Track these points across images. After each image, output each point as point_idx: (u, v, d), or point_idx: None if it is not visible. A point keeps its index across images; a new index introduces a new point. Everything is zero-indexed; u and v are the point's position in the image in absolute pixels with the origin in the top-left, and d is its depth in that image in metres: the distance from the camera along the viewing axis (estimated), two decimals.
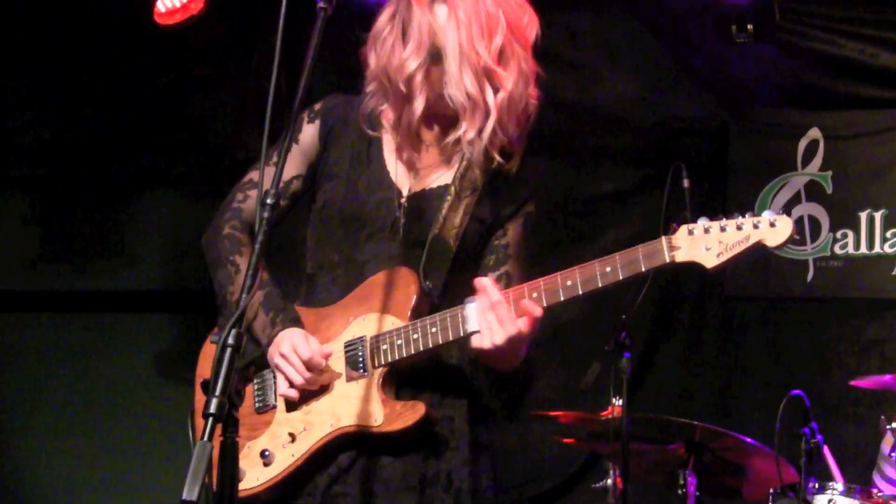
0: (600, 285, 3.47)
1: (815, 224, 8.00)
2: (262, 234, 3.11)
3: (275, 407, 3.71)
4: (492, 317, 3.46)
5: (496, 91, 3.75)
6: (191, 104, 8.49)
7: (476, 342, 3.50)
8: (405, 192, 3.80)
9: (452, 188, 3.77)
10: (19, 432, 8.58)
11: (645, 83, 8.30)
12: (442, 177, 3.84)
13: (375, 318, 3.64)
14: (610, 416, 5.98)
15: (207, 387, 2.94)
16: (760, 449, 5.96)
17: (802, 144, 8.08)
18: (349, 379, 3.63)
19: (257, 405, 3.75)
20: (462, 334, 3.53)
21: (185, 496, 2.72)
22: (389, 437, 3.58)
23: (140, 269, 8.66)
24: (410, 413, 3.55)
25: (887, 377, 6.13)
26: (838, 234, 7.96)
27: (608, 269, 3.45)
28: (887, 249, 7.88)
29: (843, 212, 7.97)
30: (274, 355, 3.66)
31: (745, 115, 8.21)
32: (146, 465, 8.21)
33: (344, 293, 3.77)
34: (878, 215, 7.92)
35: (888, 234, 7.89)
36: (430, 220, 3.74)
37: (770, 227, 3.29)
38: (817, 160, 8.06)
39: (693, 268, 3.38)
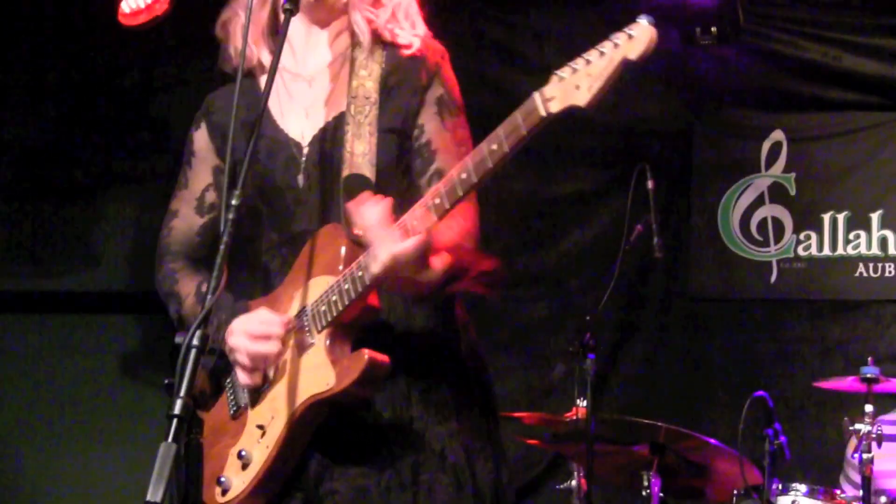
0: (491, 165, 3.09)
1: (778, 225, 8.04)
2: (226, 234, 3.06)
3: (246, 406, 3.63)
4: (377, 237, 3.19)
5: None
6: (155, 104, 8.47)
7: (372, 269, 3.22)
8: (304, 143, 3.59)
9: (347, 115, 3.53)
10: None
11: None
12: (331, 106, 3.60)
13: (313, 283, 3.45)
14: (574, 418, 6.01)
15: (172, 388, 2.92)
16: (724, 450, 5.98)
17: (766, 146, 8.12)
18: (301, 353, 3.46)
19: (231, 410, 3.65)
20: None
21: (149, 497, 2.70)
22: (349, 398, 3.37)
23: (104, 269, 8.63)
24: (356, 363, 3.32)
25: (851, 379, 6.16)
26: (801, 236, 8.00)
27: (494, 146, 3.10)
28: (850, 251, 7.93)
29: (806, 214, 8.02)
30: (229, 351, 3.58)
31: (709, 116, 8.25)
32: (112, 465, 8.18)
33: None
34: (840, 217, 7.97)
35: (851, 236, 7.93)
36: (340, 158, 3.51)
37: (629, 40, 3.04)
38: (781, 162, 8.10)
39: (571, 113, 3.11)
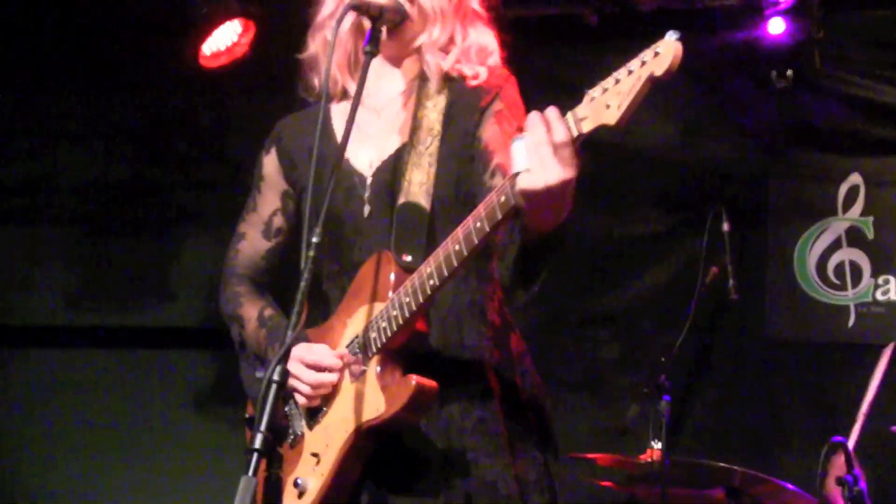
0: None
1: (856, 269, 7.99)
2: (307, 271, 3.13)
3: (303, 434, 3.65)
4: (546, 152, 3.05)
5: (461, 13, 3.74)
6: (231, 144, 8.55)
7: (523, 183, 3.04)
8: (368, 173, 3.66)
9: (409, 145, 3.60)
10: (61, 468, 8.62)
11: (684, 126, 8.31)
12: (395, 137, 3.69)
13: (365, 310, 3.50)
14: (648, 460, 5.97)
15: (252, 422, 2.96)
16: (801, 495, 5.92)
17: (843, 189, 8.07)
18: (353, 380, 3.50)
19: (290, 439, 3.69)
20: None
21: None
22: (399, 424, 3.41)
23: (180, 305, 8.71)
24: (404, 389, 3.36)
25: None
26: (880, 280, 7.94)
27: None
28: None
29: (884, 257, 7.96)
30: (292, 381, 3.58)
31: (785, 159, 8.21)
32: (187, 499, 8.22)
33: None
34: None
35: None
36: (398, 188, 3.56)
37: (655, 57, 3.05)
38: (858, 205, 8.04)
39: (602, 131, 3.13)
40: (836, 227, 8.08)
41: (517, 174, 3.07)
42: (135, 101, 8.52)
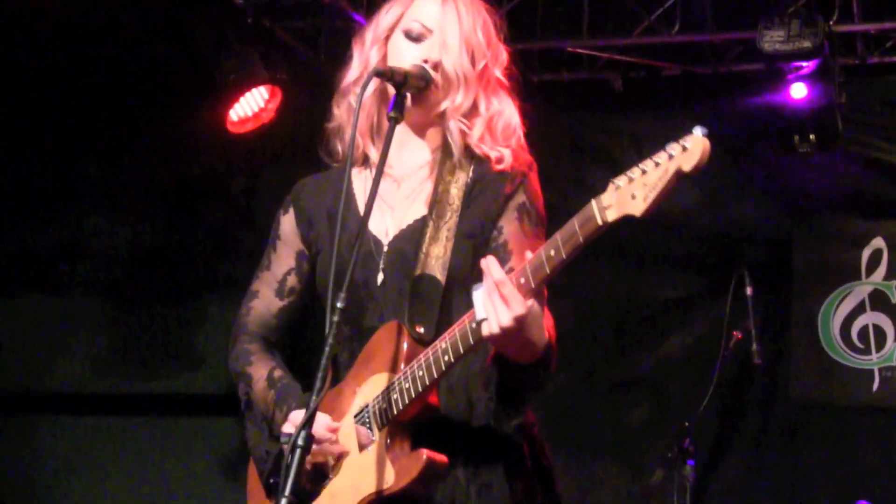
0: (548, 271, 3.14)
1: (880, 333, 7.98)
2: (331, 336, 3.14)
3: (306, 499, 3.62)
4: (496, 297, 3.16)
5: (484, 80, 3.72)
6: (260, 209, 8.59)
7: (485, 330, 3.19)
8: (385, 240, 3.66)
9: (429, 218, 3.60)
10: None
11: (708, 191, 8.33)
12: (415, 208, 3.68)
13: (374, 380, 3.49)
14: None
15: (272, 489, 2.96)
16: None
17: (866, 253, 8.07)
18: (361, 449, 3.49)
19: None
20: (471, 335, 3.26)
21: None
22: (407, 496, 3.39)
23: (206, 372, 8.72)
24: (414, 463, 3.36)
25: None
26: None
27: (552, 252, 3.15)
28: None
29: None
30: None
31: (808, 223, 8.23)
32: None
33: None
34: None
35: None
36: (415, 260, 3.57)
37: (683, 152, 3.08)
38: (882, 269, 8.04)
39: (626, 222, 3.15)
40: (860, 291, 8.07)
41: (480, 322, 3.20)
42: (163, 168, 8.58)
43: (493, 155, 3.68)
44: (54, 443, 8.86)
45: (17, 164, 8.63)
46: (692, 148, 3.07)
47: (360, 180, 3.78)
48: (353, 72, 3.82)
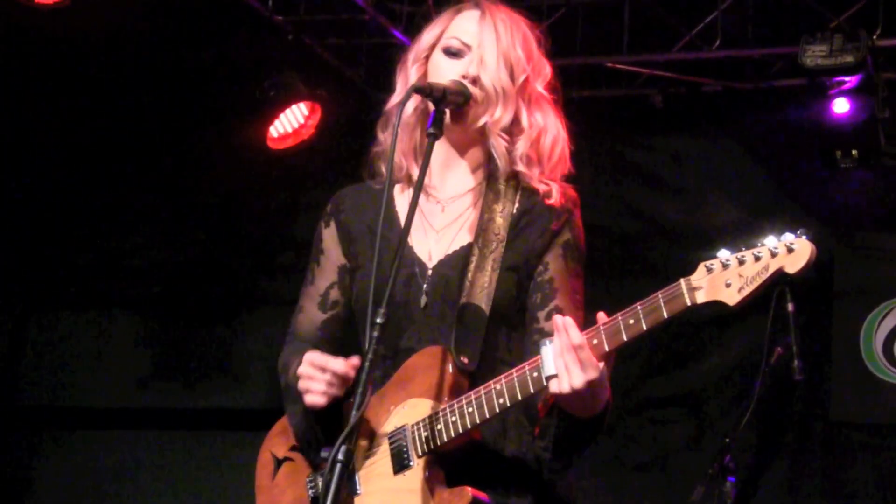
0: (625, 338, 3.24)
1: None
2: (371, 352, 3.14)
3: None
4: (570, 358, 3.21)
5: (526, 95, 3.71)
6: (300, 227, 8.61)
7: (554, 387, 3.24)
8: (430, 264, 3.65)
9: (475, 247, 3.60)
10: None
11: (749, 208, 8.30)
12: (460, 235, 3.67)
13: (414, 404, 3.49)
14: None
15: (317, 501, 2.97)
16: None
17: None
18: (396, 472, 3.47)
19: None
20: (532, 384, 3.31)
21: None
22: None
23: (247, 387, 8.75)
24: (458, 500, 3.35)
25: None
26: None
27: (631, 321, 3.24)
28: None
29: None
30: (298, 383, 3.56)
31: (849, 239, 8.17)
32: None
33: None
34: None
35: None
36: (460, 287, 3.57)
37: (788, 253, 3.15)
38: None
39: (715, 307, 3.23)
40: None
41: (549, 377, 3.25)
42: (204, 185, 8.62)
43: (541, 189, 3.68)
44: (96, 456, 8.90)
45: (60, 182, 8.69)
46: (799, 251, 3.16)
47: (403, 199, 3.76)
48: (397, 94, 3.81)
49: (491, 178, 3.71)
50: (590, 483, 7.55)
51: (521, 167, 3.68)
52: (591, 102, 8.25)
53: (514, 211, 3.65)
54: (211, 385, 8.82)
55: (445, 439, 3.39)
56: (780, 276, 3.12)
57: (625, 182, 8.45)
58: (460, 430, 3.37)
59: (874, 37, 7.37)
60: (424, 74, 3.73)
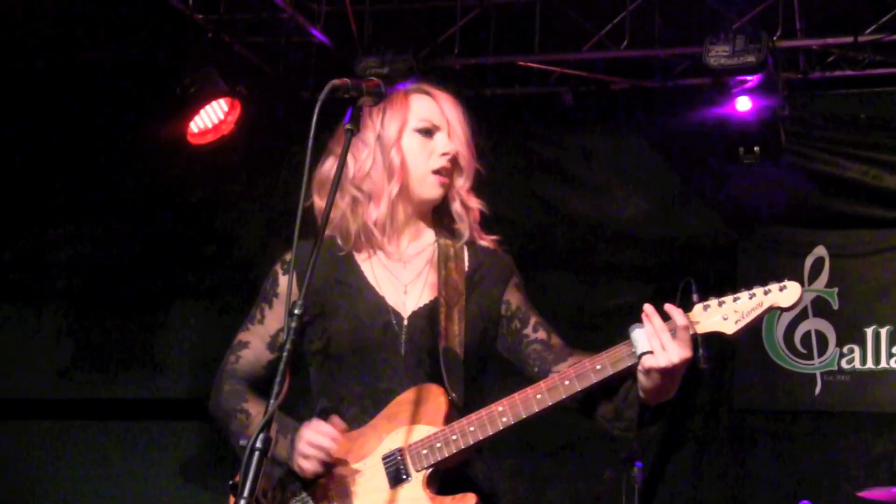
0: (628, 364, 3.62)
1: (821, 339, 8.02)
2: (289, 342, 3.16)
3: None
4: (667, 337, 3.54)
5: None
6: (220, 220, 8.58)
7: (650, 362, 3.53)
8: (404, 314, 3.81)
9: (441, 299, 3.81)
10: None
11: (656, 202, 8.37)
12: (426, 291, 3.87)
13: (409, 430, 3.66)
14: None
15: (235, 488, 2.97)
16: None
17: (808, 262, 8.12)
18: (393, 486, 3.61)
19: None
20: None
21: None
22: None
23: (169, 377, 8.71)
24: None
25: (894, 490, 6.10)
26: (845, 349, 7.97)
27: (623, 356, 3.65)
28: (893, 365, 7.89)
29: (849, 327, 7.99)
30: (298, 458, 3.64)
31: (752, 232, 8.27)
32: None
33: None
34: (883, 331, 7.94)
35: (894, 350, 7.89)
36: (434, 334, 3.77)
37: (780, 292, 3.55)
38: (823, 277, 8.09)
39: (714, 336, 3.60)
40: (803, 298, 8.09)
41: (642, 354, 3.57)
42: (125, 179, 8.56)
43: (484, 246, 3.97)
44: (18, 447, 8.81)
45: None
46: (791, 289, 3.58)
47: (363, 260, 3.92)
48: (328, 166, 3.93)
49: (440, 238, 3.95)
50: (507, 465, 7.63)
51: (474, 235, 3.97)
52: (505, 100, 8.30)
53: (467, 268, 3.89)
54: (132, 375, 8.77)
55: (447, 454, 3.59)
56: (772, 310, 3.57)
57: (536, 176, 8.49)
58: (462, 447, 3.58)
59: (774, 38, 7.47)
60: (403, 159, 3.88)
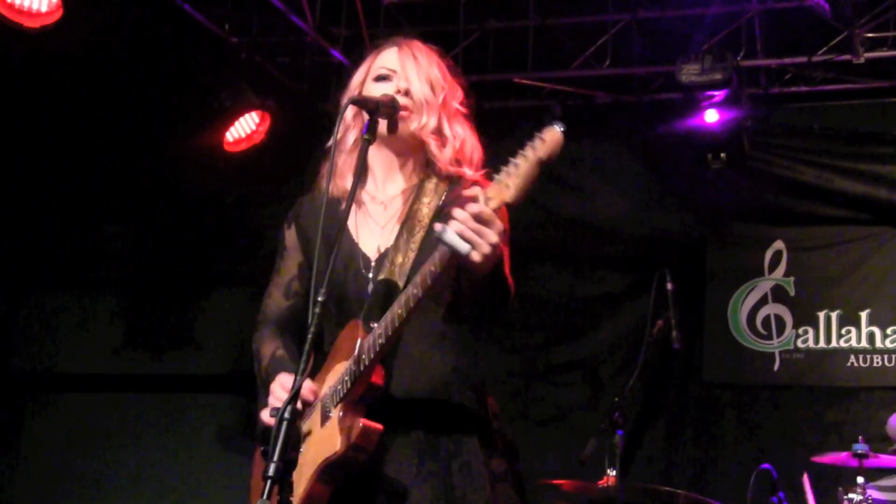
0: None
1: (780, 322, 8.01)
2: (313, 325, 3.13)
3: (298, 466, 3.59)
4: (475, 226, 3.13)
5: (446, 109, 3.70)
6: (252, 217, 8.58)
7: (476, 257, 3.13)
8: (373, 257, 3.64)
9: (401, 234, 3.60)
10: (110, 499, 8.62)
11: (635, 202, 8.37)
12: (395, 227, 3.66)
13: (336, 370, 3.49)
14: (606, 485, 5.96)
15: (266, 454, 2.97)
16: None
17: (769, 254, 8.11)
18: (322, 425, 3.47)
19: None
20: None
21: None
22: (350, 461, 3.38)
23: (208, 356, 8.72)
24: (354, 430, 3.35)
25: (844, 454, 6.10)
26: (800, 331, 7.96)
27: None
28: (842, 344, 7.89)
29: (804, 312, 7.99)
30: (262, 415, 3.54)
31: (719, 229, 8.26)
32: None
33: None
34: (834, 315, 7.94)
35: (843, 332, 7.90)
36: (380, 266, 3.59)
37: (542, 143, 3.12)
38: (781, 268, 8.08)
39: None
40: (763, 285, 8.11)
41: (467, 253, 3.14)
42: (170, 182, 8.56)
43: (469, 177, 3.65)
44: (76, 417, 8.84)
45: (49, 181, 8.63)
46: (549, 139, 3.13)
47: (354, 211, 3.71)
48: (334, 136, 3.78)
49: (426, 179, 3.70)
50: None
51: (451, 169, 3.67)
52: (501, 112, 8.28)
53: (440, 202, 3.63)
54: (176, 354, 8.78)
55: (350, 386, 3.37)
56: (540, 165, 3.10)
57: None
58: (357, 376, 3.35)
59: (738, 58, 7.47)
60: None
